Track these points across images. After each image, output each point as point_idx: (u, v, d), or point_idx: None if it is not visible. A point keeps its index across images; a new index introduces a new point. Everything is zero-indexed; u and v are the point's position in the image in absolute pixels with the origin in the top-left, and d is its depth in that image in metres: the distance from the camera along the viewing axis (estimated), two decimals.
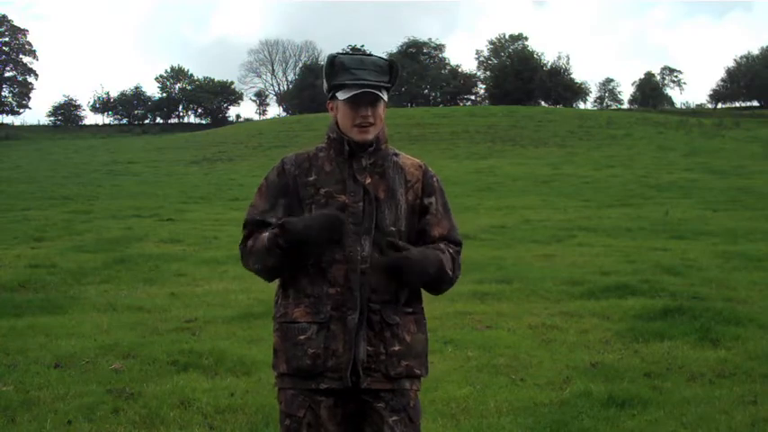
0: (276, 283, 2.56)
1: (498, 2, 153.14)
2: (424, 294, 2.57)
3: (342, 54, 2.48)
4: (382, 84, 2.45)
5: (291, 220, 2.36)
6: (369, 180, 2.46)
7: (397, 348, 2.43)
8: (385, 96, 2.46)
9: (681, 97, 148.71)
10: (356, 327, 2.38)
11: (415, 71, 73.88)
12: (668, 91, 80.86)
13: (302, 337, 2.41)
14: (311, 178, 2.47)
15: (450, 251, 2.50)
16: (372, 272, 2.40)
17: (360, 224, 2.42)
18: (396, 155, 2.55)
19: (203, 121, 79.76)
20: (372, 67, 2.45)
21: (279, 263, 2.40)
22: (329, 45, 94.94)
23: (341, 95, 2.43)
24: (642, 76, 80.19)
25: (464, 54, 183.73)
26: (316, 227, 2.32)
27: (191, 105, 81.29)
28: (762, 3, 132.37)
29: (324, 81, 2.50)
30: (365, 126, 2.44)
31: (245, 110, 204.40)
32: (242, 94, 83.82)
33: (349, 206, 2.42)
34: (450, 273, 2.47)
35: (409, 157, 2.59)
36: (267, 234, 2.40)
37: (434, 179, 2.56)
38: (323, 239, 2.33)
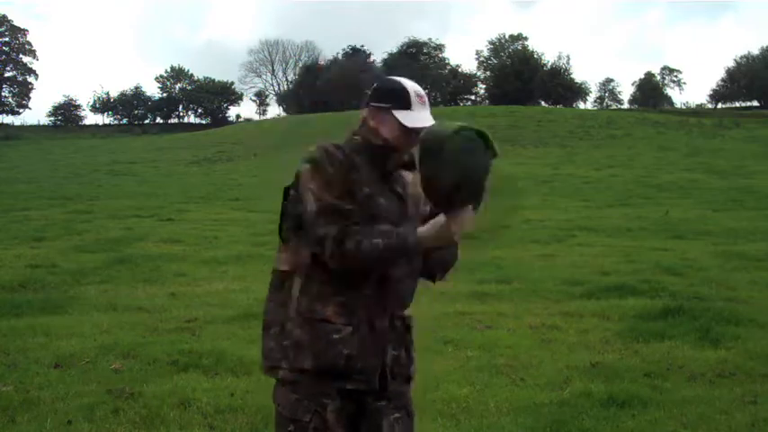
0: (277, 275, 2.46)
1: (493, 3, 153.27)
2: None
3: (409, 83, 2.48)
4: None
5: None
6: (402, 186, 2.48)
7: (413, 352, 2.53)
8: None
9: (681, 97, 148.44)
10: (385, 331, 2.41)
11: (415, 71, 73.87)
12: (668, 91, 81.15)
13: (336, 337, 2.35)
14: (353, 176, 2.37)
15: None
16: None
17: None
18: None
19: (203, 121, 79.79)
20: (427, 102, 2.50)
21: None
22: (329, 45, 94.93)
23: (405, 120, 2.40)
24: (642, 76, 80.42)
25: (463, 54, 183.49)
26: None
27: (191, 105, 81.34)
28: (754, 4, 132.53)
29: (382, 92, 2.45)
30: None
31: (245, 110, 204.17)
32: (242, 94, 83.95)
33: (385, 210, 2.40)
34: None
35: None
36: (392, 242, 2.29)
37: None
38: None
